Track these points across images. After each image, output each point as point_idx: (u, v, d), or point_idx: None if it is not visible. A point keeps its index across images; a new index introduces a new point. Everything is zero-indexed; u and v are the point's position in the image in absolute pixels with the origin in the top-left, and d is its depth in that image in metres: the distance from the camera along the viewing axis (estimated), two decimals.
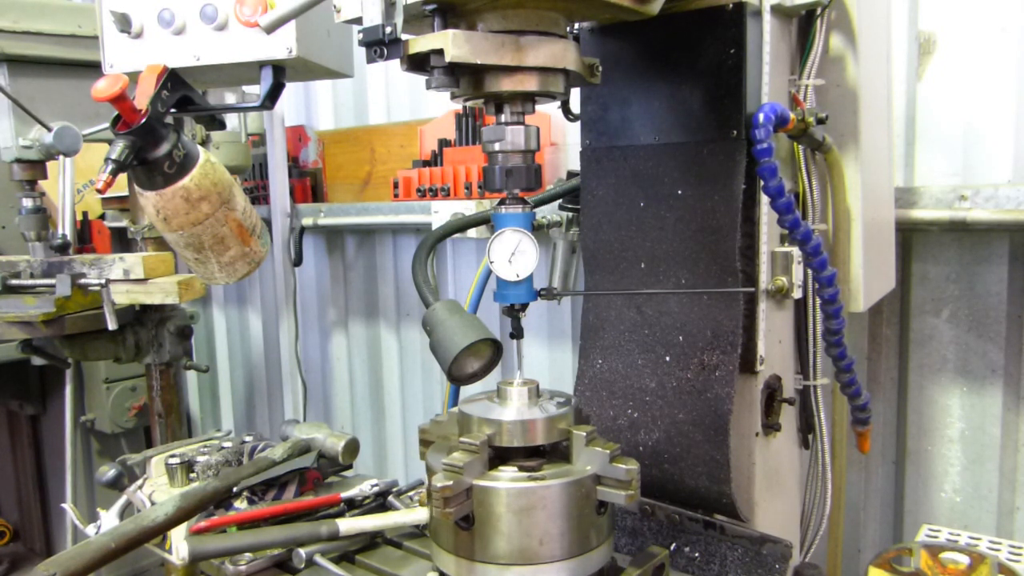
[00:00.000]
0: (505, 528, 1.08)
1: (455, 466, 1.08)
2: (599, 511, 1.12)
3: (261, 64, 1.52)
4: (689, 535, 1.39)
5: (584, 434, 1.12)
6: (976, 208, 1.81)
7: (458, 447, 1.12)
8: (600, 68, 1.19)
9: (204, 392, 4.25)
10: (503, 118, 1.14)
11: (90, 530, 1.64)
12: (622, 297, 1.48)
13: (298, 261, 3.32)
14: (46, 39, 2.30)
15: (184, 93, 1.43)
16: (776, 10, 1.37)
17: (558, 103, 1.28)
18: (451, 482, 1.05)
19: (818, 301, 1.49)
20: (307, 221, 3.27)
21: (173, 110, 1.42)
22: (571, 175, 2.14)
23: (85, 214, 3.27)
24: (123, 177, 1.40)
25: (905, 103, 2.02)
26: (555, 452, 1.17)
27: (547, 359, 2.82)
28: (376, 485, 1.64)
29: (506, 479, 1.10)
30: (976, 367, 2.00)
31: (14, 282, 2.34)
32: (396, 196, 2.85)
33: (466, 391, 1.64)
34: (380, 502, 1.63)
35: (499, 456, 1.14)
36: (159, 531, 1.42)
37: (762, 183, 1.29)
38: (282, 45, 1.47)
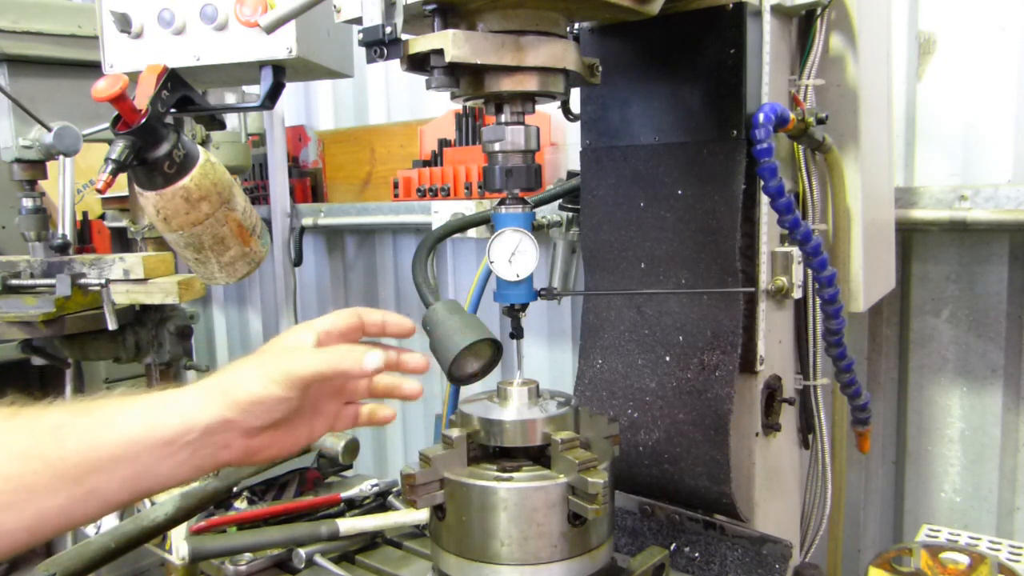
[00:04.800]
0: (469, 524, 1.09)
1: (426, 456, 1.10)
2: (573, 522, 1.08)
3: (261, 64, 1.52)
4: (689, 535, 1.39)
5: (560, 440, 1.09)
6: (976, 208, 1.81)
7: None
8: (600, 68, 1.19)
9: None
10: (503, 118, 1.13)
11: (90, 530, 1.64)
12: (622, 297, 1.48)
13: (298, 261, 3.32)
14: (46, 39, 2.29)
15: (184, 93, 1.43)
16: (776, 10, 1.36)
17: (558, 103, 1.28)
18: (415, 471, 1.08)
19: (818, 301, 1.49)
20: (307, 221, 3.26)
21: (173, 110, 1.42)
22: (571, 175, 2.14)
23: (85, 214, 3.27)
24: (123, 177, 1.40)
25: (905, 103, 2.02)
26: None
27: (547, 359, 2.82)
28: (376, 485, 1.64)
29: (470, 476, 1.10)
30: (976, 367, 2.00)
31: (14, 282, 2.34)
32: (396, 196, 2.85)
33: (466, 391, 1.64)
34: (380, 502, 1.63)
35: (503, 454, 1.15)
36: (159, 531, 1.42)
37: (762, 183, 1.29)
38: (282, 45, 1.47)
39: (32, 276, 2.38)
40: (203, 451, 0.87)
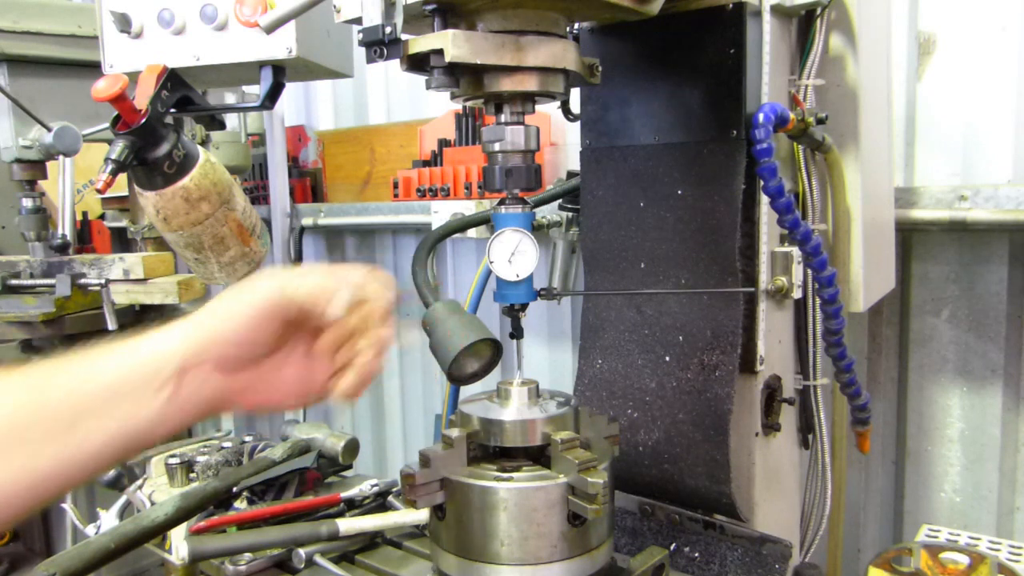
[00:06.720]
0: (469, 524, 1.09)
1: (426, 456, 1.10)
2: (573, 522, 1.08)
3: (261, 64, 1.52)
4: (689, 535, 1.39)
5: (560, 439, 1.09)
6: (976, 208, 1.81)
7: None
8: (600, 68, 1.19)
9: None
10: (503, 118, 1.13)
11: (90, 530, 1.64)
12: (622, 297, 1.48)
13: (298, 261, 3.32)
14: (46, 39, 2.30)
15: (184, 93, 1.43)
16: (776, 10, 1.37)
17: (558, 103, 1.28)
18: (415, 471, 1.08)
19: (818, 301, 1.49)
20: (307, 221, 3.26)
21: (173, 110, 1.43)
22: (571, 175, 2.14)
23: (85, 214, 3.26)
24: (123, 177, 1.40)
25: (905, 103, 2.02)
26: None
27: (547, 359, 2.82)
28: (376, 485, 1.64)
29: (470, 476, 1.10)
30: (976, 367, 2.00)
31: (14, 282, 2.34)
32: (396, 196, 2.85)
33: (466, 391, 1.64)
34: (380, 502, 1.63)
35: (503, 454, 1.15)
36: (159, 531, 1.42)
37: (762, 183, 1.29)
38: (282, 45, 1.47)
39: (32, 276, 2.39)
40: (184, 390, 0.86)
